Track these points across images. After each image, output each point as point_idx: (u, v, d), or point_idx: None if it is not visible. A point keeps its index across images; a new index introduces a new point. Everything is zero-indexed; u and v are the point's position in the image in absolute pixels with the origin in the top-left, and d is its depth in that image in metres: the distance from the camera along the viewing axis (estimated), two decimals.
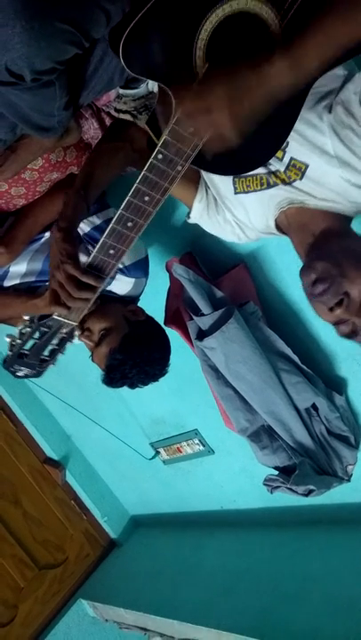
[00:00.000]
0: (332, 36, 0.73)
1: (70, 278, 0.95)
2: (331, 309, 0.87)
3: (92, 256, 0.95)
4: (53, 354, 1.11)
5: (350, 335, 0.91)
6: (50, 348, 1.09)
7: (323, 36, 0.73)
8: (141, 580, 2.39)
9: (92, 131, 1.29)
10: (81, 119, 1.27)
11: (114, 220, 0.90)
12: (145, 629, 2.18)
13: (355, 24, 0.72)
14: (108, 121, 1.28)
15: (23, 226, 1.30)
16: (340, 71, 0.91)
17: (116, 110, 1.24)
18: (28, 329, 1.02)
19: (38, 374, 1.15)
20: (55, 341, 1.09)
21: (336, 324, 0.92)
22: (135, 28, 0.73)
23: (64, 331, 1.07)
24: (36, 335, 1.04)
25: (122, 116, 1.23)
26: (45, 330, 1.04)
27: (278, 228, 1.05)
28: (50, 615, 2.51)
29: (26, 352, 1.06)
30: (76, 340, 1.49)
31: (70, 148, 1.27)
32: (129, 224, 0.91)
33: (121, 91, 1.22)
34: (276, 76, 0.74)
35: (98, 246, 0.93)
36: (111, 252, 0.94)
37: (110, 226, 0.91)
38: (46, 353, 1.10)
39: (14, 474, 2.66)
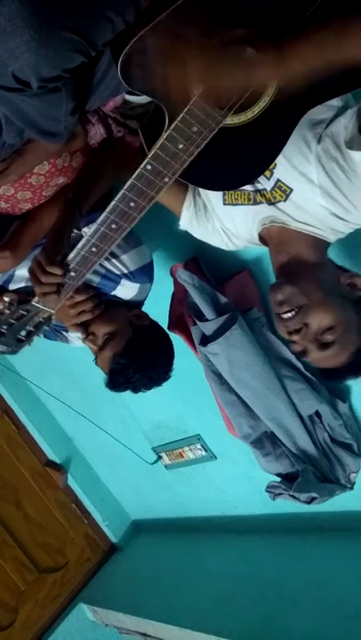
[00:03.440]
0: (323, 47, 0.73)
1: (38, 264, 1.04)
2: (289, 333, 0.98)
3: (74, 250, 1.00)
4: (30, 335, 1.21)
5: (300, 354, 1.01)
6: (27, 329, 1.18)
7: (314, 43, 0.74)
8: (142, 585, 2.39)
9: (98, 136, 1.29)
10: (87, 125, 1.27)
11: (99, 220, 0.94)
12: (145, 635, 2.17)
13: (345, 42, 0.72)
14: (114, 127, 1.29)
15: (28, 230, 1.31)
16: (335, 102, 0.92)
17: (123, 116, 1.24)
18: (7, 311, 1.10)
19: (14, 352, 1.23)
20: (32, 324, 1.18)
21: (290, 341, 1.01)
22: (136, 44, 0.74)
23: (42, 316, 1.16)
24: (14, 317, 1.13)
25: (128, 122, 1.24)
26: (23, 313, 1.13)
27: (262, 239, 1.09)
28: (50, 619, 2.51)
29: (3, 331, 1.15)
30: (79, 343, 1.50)
31: (77, 153, 1.28)
32: (113, 226, 0.95)
33: (128, 97, 1.23)
34: (259, 68, 0.75)
35: (82, 242, 0.98)
36: (93, 249, 0.99)
37: (95, 226, 0.95)
38: (23, 333, 1.19)
39: (16, 476, 2.66)
